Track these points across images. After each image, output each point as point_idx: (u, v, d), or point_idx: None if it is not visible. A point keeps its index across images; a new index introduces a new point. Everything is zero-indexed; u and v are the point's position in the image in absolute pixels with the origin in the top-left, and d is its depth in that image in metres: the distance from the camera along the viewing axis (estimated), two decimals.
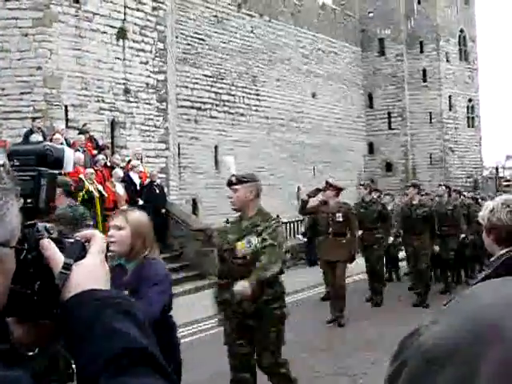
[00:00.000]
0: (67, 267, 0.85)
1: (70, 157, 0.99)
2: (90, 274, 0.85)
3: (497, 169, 38.94)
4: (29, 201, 0.89)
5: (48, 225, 0.89)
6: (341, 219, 8.14)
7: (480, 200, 13.79)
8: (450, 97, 37.03)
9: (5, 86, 15.34)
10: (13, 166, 0.87)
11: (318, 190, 8.27)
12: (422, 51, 36.77)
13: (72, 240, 0.89)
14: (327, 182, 8.33)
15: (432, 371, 0.55)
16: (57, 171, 0.95)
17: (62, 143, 12.24)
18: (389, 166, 36.43)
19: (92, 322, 0.79)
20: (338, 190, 8.32)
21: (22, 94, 15.32)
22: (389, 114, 36.65)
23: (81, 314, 0.80)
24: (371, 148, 36.79)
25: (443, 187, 11.51)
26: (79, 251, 0.88)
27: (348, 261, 8.22)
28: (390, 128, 36.58)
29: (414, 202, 9.70)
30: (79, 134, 13.41)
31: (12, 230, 0.78)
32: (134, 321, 0.80)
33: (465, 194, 13.90)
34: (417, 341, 0.59)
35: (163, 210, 12.88)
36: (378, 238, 9.88)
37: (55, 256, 0.85)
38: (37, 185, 0.90)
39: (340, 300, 8.26)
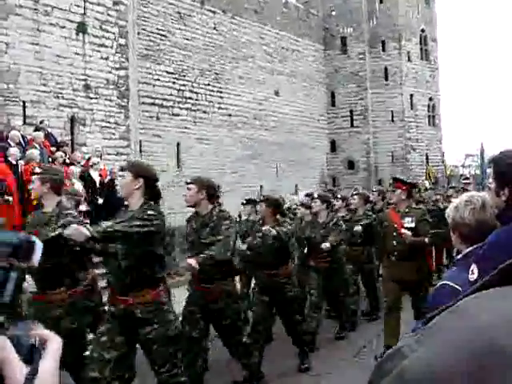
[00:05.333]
0: (33, 373, 0.82)
1: (39, 250, 0.95)
2: (50, 381, 0.84)
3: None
4: None
5: (1, 318, 0.86)
6: None
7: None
8: (411, 95, 37.59)
9: None
10: None
11: None
12: (384, 50, 37.22)
13: (32, 342, 0.86)
14: None
15: None
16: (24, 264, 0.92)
17: (19, 141, 12.00)
18: (351, 164, 36.77)
19: None
20: None
21: None
22: (351, 112, 37.01)
23: None
24: (333, 146, 37.08)
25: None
26: (39, 356, 0.86)
27: None
28: (352, 126, 36.94)
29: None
30: (35, 130, 13.13)
31: None
32: None
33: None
34: (398, 366, 0.48)
35: (123, 209, 12.69)
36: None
37: (13, 361, 0.80)
38: (6, 276, 0.88)
39: None
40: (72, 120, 16.44)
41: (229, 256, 4.84)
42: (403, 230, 6.11)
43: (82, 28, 16.43)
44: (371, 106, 36.78)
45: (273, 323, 6.68)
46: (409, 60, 37.73)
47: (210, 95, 27.75)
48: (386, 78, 37.13)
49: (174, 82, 25.73)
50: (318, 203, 7.03)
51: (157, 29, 24.74)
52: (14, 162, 10.89)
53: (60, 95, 16.11)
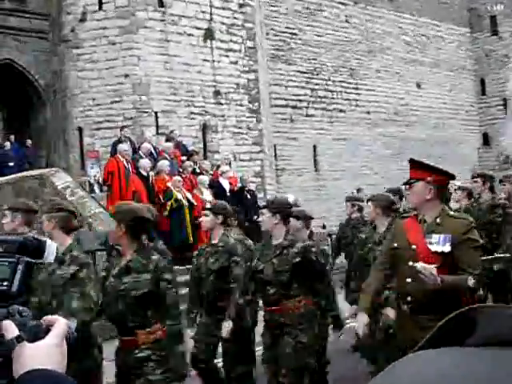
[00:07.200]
0: (14, 341, 0.97)
1: (52, 248, 1.13)
2: (43, 354, 0.96)
3: None
4: (5, 284, 1.03)
5: (21, 308, 1.03)
6: None
7: None
8: None
9: (95, 96, 16.11)
10: None
11: None
12: None
13: (36, 323, 1.02)
14: None
15: None
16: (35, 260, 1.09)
17: (150, 152, 12.64)
18: (508, 158, 34.58)
19: None
20: None
21: (112, 102, 16.01)
22: (505, 100, 34.80)
23: None
24: (486, 139, 35.10)
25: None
26: (39, 333, 1.00)
27: None
28: (507, 115, 34.74)
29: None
30: (166, 141, 13.75)
31: None
32: None
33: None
34: None
35: (255, 217, 12.84)
36: None
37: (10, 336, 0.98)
38: (13, 270, 1.04)
39: None
40: (204, 127, 17.02)
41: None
42: (420, 265, 3.44)
43: (209, 34, 16.99)
44: None
45: None
46: None
47: (345, 92, 27.45)
48: None
49: (307, 82, 25.77)
50: (266, 214, 4.78)
51: (286, 27, 24.93)
52: (145, 174, 11.48)
53: (191, 103, 16.77)
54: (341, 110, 27.19)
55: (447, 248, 3.54)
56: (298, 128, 25.27)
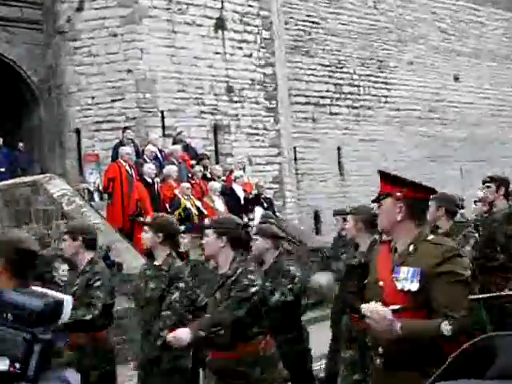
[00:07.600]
0: None
1: (69, 306, 1.10)
2: None
3: None
4: (17, 366, 0.97)
5: None
6: None
7: None
8: None
9: (95, 94, 16.15)
10: (5, 320, 0.97)
11: None
12: None
13: None
14: None
15: None
16: (50, 335, 1.03)
17: (155, 156, 12.64)
18: None
19: None
20: None
21: (113, 101, 16.04)
22: None
23: None
24: None
25: None
26: None
27: None
28: None
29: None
30: (173, 143, 13.74)
31: None
32: None
33: None
34: None
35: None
36: None
37: None
38: (29, 350, 0.98)
39: None
40: (215, 128, 17.01)
41: None
42: (366, 307, 3.01)
43: (220, 24, 16.99)
44: None
45: None
46: None
47: (373, 88, 27.39)
48: None
49: (330, 76, 25.73)
50: (210, 236, 4.42)
51: (306, 16, 24.89)
52: (150, 180, 11.45)
53: (200, 101, 16.77)
54: (368, 108, 27.14)
55: (415, 286, 3.01)
56: (320, 128, 25.24)
